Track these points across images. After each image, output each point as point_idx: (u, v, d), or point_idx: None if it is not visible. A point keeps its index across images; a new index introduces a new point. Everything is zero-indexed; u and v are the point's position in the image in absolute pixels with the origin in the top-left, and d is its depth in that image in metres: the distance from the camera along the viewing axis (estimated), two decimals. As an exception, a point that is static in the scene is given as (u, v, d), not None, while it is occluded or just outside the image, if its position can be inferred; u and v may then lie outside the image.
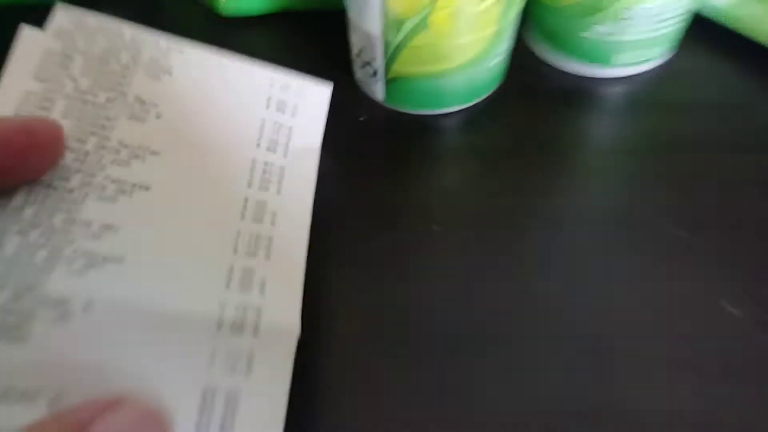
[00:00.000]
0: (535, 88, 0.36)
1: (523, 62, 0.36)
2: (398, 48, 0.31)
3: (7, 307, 0.22)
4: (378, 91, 0.34)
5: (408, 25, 0.30)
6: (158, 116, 0.28)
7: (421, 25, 0.30)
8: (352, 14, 0.33)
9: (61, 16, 0.28)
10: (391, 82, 0.33)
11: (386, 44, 0.32)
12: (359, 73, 0.36)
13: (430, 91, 0.33)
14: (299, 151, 0.31)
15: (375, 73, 0.34)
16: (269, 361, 0.24)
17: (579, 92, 0.35)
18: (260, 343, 0.24)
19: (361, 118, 0.34)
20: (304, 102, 0.32)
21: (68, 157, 0.26)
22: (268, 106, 0.31)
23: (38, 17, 0.28)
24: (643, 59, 0.35)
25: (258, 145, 0.30)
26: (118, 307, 0.23)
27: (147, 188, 0.26)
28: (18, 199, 0.24)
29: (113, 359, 0.22)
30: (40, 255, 0.23)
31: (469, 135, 0.33)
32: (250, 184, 0.29)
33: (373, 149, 0.33)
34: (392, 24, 0.30)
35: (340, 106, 0.33)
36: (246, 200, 0.28)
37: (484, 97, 0.34)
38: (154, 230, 0.25)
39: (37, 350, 0.21)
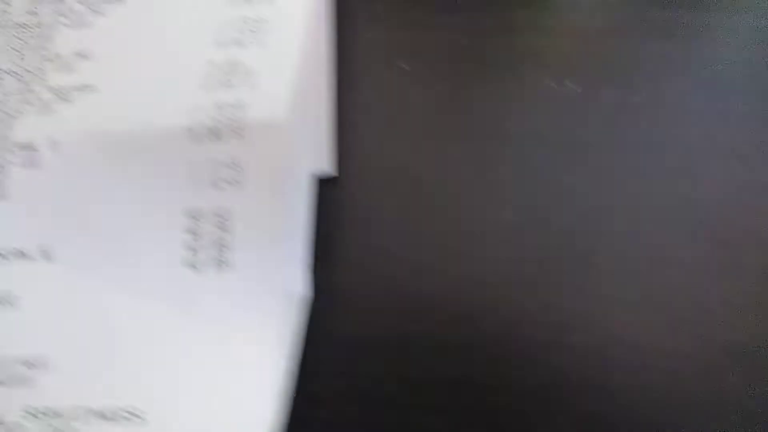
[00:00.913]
0: None
1: None
2: None
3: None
4: None
5: None
6: None
7: None
8: None
9: None
10: None
11: None
12: None
13: None
14: None
15: None
16: (259, 168, 0.19)
17: None
18: (247, 145, 0.20)
19: None
20: None
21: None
22: None
23: None
24: None
25: None
26: (88, 140, 0.20)
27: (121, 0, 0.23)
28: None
29: (88, 201, 0.20)
30: (12, 102, 0.21)
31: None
32: None
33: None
34: None
35: None
36: None
37: None
38: (128, 47, 0.22)
39: (17, 202, 0.20)
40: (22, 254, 0.19)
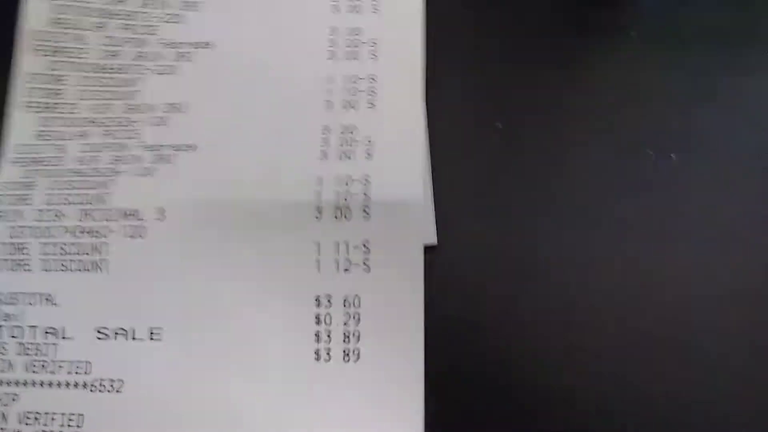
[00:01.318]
0: None
1: None
2: None
3: (80, 227, 0.18)
4: None
5: None
6: None
7: None
8: None
9: None
10: None
11: None
12: None
13: None
14: None
15: None
16: (389, 256, 0.19)
17: None
18: (375, 231, 0.19)
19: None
20: None
21: (112, 24, 0.20)
22: None
23: None
24: None
25: None
26: (196, 210, 0.19)
27: (208, 44, 0.21)
28: (70, 94, 0.20)
29: (200, 275, 0.18)
30: (104, 159, 0.19)
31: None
32: (336, 8, 0.22)
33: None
34: None
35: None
36: (334, 30, 0.21)
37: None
38: (225, 99, 0.20)
39: (120, 276, 0.18)
40: (126, 333, 0.18)
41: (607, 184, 0.21)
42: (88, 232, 0.18)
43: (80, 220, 0.18)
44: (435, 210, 0.20)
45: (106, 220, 0.18)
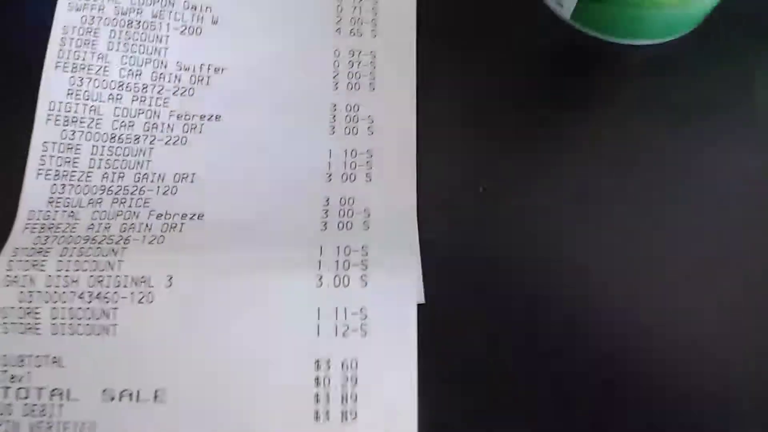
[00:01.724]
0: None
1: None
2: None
3: (90, 293, 0.19)
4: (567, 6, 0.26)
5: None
6: (215, 21, 0.23)
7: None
8: None
9: None
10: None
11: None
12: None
13: (628, 16, 0.25)
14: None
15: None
16: (384, 321, 0.20)
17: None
18: (372, 297, 0.20)
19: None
20: None
21: (126, 97, 0.21)
22: None
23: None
24: None
25: (338, 30, 0.24)
26: (203, 278, 0.19)
27: (218, 116, 0.22)
28: (83, 161, 0.21)
29: (204, 340, 0.19)
30: (114, 226, 0.20)
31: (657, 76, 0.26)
32: (336, 86, 0.23)
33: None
34: None
35: (514, 18, 0.26)
36: (335, 107, 0.23)
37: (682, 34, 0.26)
38: (232, 171, 0.22)
39: (127, 340, 0.19)
40: (131, 395, 0.19)
41: (592, 250, 0.22)
42: (98, 298, 0.19)
43: (91, 286, 0.19)
44: (423, 270, 0.21)
45: (117, 286, 0.19)
